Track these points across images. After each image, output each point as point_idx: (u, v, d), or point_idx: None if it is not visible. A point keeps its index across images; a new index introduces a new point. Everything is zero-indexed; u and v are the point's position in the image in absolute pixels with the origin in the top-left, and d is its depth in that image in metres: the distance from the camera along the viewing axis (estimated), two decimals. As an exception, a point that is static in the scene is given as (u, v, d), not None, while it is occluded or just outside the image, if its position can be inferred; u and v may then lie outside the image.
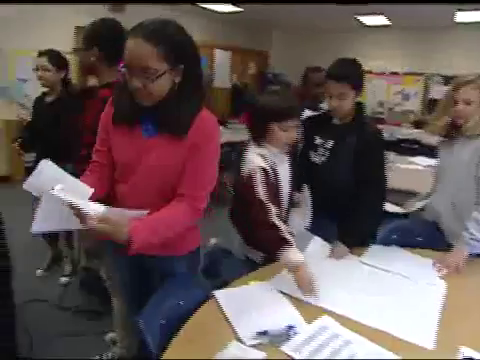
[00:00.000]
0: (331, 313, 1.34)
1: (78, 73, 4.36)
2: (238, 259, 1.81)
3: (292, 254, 1.43)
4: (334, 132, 1.91)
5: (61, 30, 4.98)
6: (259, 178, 1.58)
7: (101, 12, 4.33)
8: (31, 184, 1.15)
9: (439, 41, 8.05)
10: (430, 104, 7.92)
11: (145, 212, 1.18)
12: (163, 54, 1.19)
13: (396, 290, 1.53)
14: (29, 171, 1.23)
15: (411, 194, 2.82)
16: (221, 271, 1.69)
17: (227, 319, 1.30)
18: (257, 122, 1.70)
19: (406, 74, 8.53)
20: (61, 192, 1.09)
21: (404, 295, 1.50)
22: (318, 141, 1.94)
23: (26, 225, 1.20)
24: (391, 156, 3.52)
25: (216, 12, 6.59)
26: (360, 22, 7.44)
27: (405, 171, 3.40)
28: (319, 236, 1.83)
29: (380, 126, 2.52)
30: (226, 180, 4.79)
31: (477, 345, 1.19)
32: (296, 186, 1.87)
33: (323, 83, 2.53)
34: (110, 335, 2.32)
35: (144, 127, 1.32)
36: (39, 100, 2.83)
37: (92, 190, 1.23)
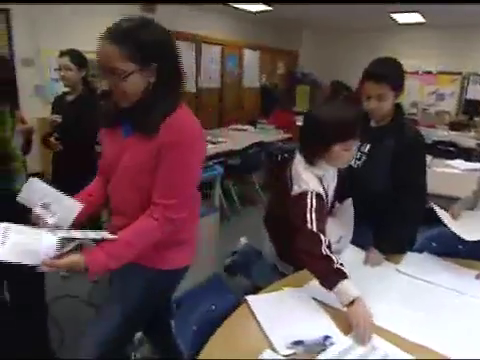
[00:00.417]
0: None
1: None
2: (268, 264, 1.77)
3: (347, 287, 1.28)
4: (371, 135, 1.82)
5: (93, 30, 5.07)
6: (312, 204, 1.44)
7: (133, 12, 4.38)
8: (22, 198, 1.28)
9: (476, 39, 7.74)
10: (467, 105, 7.64)
11: (109, 236, 1.21)
12: (128, 54, 1.19)
13: (439, 303, 1.44)
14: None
15: (448, 199, 2.71)
16: (252, 273, 1.66)
17: (260, 326, 1.27)
18: (317, 141, 1.51)
19: (440, 73, 8.25)
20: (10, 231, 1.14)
21: (448, 309, 1.41)
22: None
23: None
24: (428, 159, 3.39)
25: (246, 11, 6.57)
26: (393, 20, 7.24)
27: (442, 175, 3.26)
28: (356, 243, 1.76)
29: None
30: (255, 180, 4.79)
31: None
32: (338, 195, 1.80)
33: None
34: (139, 334, 2.32)
35: (124, 128, 1.34)
36: (59, 99, 2.87)
37: (80, 207, 1.29)
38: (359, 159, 1.85)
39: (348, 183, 1.83)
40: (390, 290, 1.51)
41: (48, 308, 2.08)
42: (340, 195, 1.83)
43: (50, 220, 1.24)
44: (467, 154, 4.17)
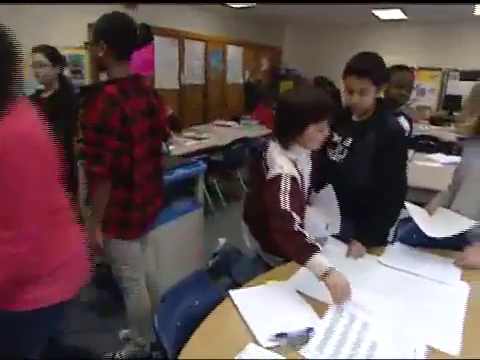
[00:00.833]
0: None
1: (91, 69, 4.37)
2: (250, 259, 1.78)
3: (320, 260, 1.35)
4: (353, 129, 1.85)
5: (73, 27, 5.01)
6: (286, 187, 1.49)
7: (115, 9, 4.32)
8: None
9: (456, 35, 7.87)
10: (447, 100, 7.77)
11: None
12: None
13: (417, 292, 1.48)
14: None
15: (429, 191, 2.75)
16: (232, 271, 1.66)
17: (243, 320, 1.27)
18: (291, 124, 1.58)
19: (422, 69, 8.36)
20: None
21: (426, 297, 1.45)
22: (336, 138, 1.88)
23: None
24: (409, 153, 3.44)
25: (229, 7, 6.55)
26: (375, 16, 7.31)
27: (423, 168, 3.31)
28: (339, 236, 1.78)
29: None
30: (239, 176, 4.80)
31: (505, 351, 1.15)
32: (314, 184, 1.82)
33: (406, 84, 2.44)
34: (124, 332, 2.31)
35: None
36: (32, 97, 2.68)
37: None
38: (341, 153, 1.86)
39: (331, 177, 1.85)
40: (371, 281, 1.54)
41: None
42: (317, 187, 1.86)
43: None
44: (447, 148, 4.24)
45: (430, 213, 1.96)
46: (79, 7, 4.88)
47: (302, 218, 1.55)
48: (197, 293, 1.39)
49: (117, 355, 2.16)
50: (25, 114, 1.16)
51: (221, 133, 4.77)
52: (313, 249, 1.37)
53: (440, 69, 8.17)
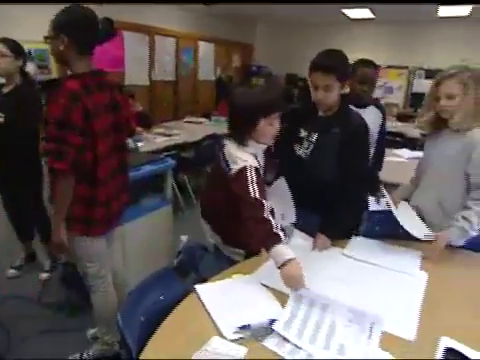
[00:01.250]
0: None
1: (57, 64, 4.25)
2: (213, 254, 1.79)
3: (282, 250, 1.39)
4: (319, 125, 1.88)
5: (37, 21, 4.84)
6: (252, 177, 1.53)
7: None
8: None
9: (422, 35, 8.12)
10: (413, 98, 8.01)
11: None
12: None
13: (377, 282, 1.53)
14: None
15: (394, 186, 2.84)
16: (198, 267, 1.67)
17: (208, 313, 1.28)
18: (244, 119, 1.63)
19: (389, 67, 8.58)
20: None
21: (385, 286, 1.50)
22: (303, 134, 1.91)
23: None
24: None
25: (200, 4, 6.50)
26: (345, 15, 7.44)
27: (389, 163, 3.40)
28: (307, 230, 1.82)
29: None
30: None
31: (457, 335, 1.20)
32: (272, 178, 1.85)
33: (370, 80, 2.47)
34: (91, 331, 2.28)
35: None
36: None
37: None
38: (307, 148, 1.89)
39: (297, 173, 1.88)
40: (334, 272, 1.58)
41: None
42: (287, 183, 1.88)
43: None
44: (412, 144, 4.38)
45: (395, 205, 2.02)
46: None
47: None
48: (163, 289, 1.39)
49: (84, 355, 2.13)
50: None
51: (192, 130, 4.74)
52: (276, 238, 1.41)
53: (407, 67, 8.41)
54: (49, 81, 3.31)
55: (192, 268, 1.69)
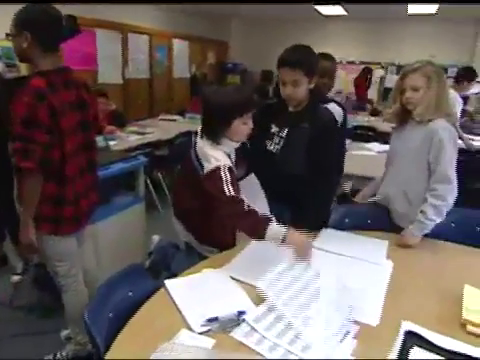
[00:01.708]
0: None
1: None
2: (188, 253, 1.79)
3: (276, 228, 1.46)
4: (289, 120, 1.90)
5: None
6: (226, 177, 1.54)
7: None
8: None
9: (393, 32, 8.30)
10: (386, 93, 8.18)
11: None
12: None
13: (346, 272, 1.55)
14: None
15: (365, 178, 2.90)
16: (171, 265, 1.67)
17: (177, 308, 1.29)
18: (219, 119, 1.63)
19: (363, 63, 8.73)
20: None
21: (353, 276, 1.53)
22: (274, 130, 1.93)
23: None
24: (347, 142, 3.59)
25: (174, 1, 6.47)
26: (318, 12, 7.52)
27: (359, 157, 3.48)
28: (278, 223, 1.84)
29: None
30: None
31: (417, 319, 1.25)
32: (243, 174, 1.86)
33: (329, 73, 2.45)
34: (65, 332, 2.25)
35: None
36: None
37: None
38: (278, 144, 1.91)
39: (269, 168, 1.90)
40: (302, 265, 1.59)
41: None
42: (259, 178, 1.91)
43: None
44: (383, 137, 4.48)
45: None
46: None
47: None
48: (132, 285, 1.38)
49: (58, 355, 2.11)
50: None
51: (166, 127, 4.71)
52: (267, 221, 1.46)
53: (379, 63, 8.58)
54: (16, 79, 3.22)
55: (164, 268, 1.70)
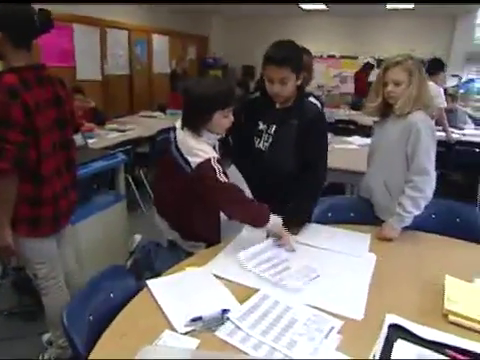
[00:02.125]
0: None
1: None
2: (172, 250, 1.77)
3: (274, 217, 1.57)
4: (277, 117, 1.87)
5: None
6: (218, 168, 1.55)
7: None
8: None
9: (373, 26, 8.38)
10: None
11: None
12: None
13: (328, 266, 1.56)
14: None
15: (346, 172, 2.92)
16: (154, 265, 1.65)
17: (160, 308, 1.26)
18: (199, 112, 1.61)
19: (343, 57, 8.79)
20: None
21: (337, 270, 1.53)
22: (261, 127, 1.90)
23: None
24: (329, 136, 3.61)
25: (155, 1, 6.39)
26: (299, 7, 7.53)
27: (340, 151, 3.49)
28: None
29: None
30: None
31: (401, 311, 1.25)
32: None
33: (307, 67, 2.45)
34: (47, 336, 2.20)
35: None
36: None
37: None
38: (267, 141, 1.88)
39: (258, 166, 1.88)
40: (287, 259, 1.59)
41: None
42: (248, 177, 1.93)
43: None
44: (364, 131, 4.52)
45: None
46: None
47: None
48: (113, 286, 1.35)
49: (39, 357, 2.06)
50: None
51: (147, 124, 4.64)
52: (267, 211, 1.56)
53: (358, 57, 8.65)
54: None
55: (147, 268, 1.67)
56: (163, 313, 1.24)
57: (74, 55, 6.07)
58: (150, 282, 1.38)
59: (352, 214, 2.04)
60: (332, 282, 1.44)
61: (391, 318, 1.22)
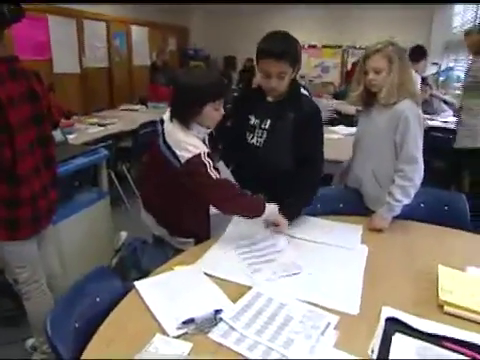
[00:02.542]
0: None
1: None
2: (159, 246, 1.71)
3: (270, 205, 1.58)
4: (270, 111, 1.79)
5: None
6: (209, 162, 1.51)
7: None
8: None
9: (353, 15, 8.36)
10: (347, 75, 8.26)
11: None
12: None
13: (320, 259, 1.53)
14: None
15: (332, 162, 2.89)
16: (141, 263, 1.59)
17: (149, 311, 1.21)
18: (189, 104, 1.55)
19: (325, 47, 8.78)
20: None
21: (329, 264, 1.51)
22: (254, 121, 1.82)
23: None
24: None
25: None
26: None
27: (327, 141, 3.44)
28: None
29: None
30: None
31: (396, 303, 1.23)
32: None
33: None
34: (30, 341, 2.12)
35: None
36: None
37: None
38: (261, 136, 1.81)
39: (251, 162, 1.81)
40: (278, 255, 1.55)
41: None
42: (240, 174, 1.87)
43: None
44: (348, 120, 4.51)
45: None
46: None
47: None
48: (99, 289, 1.29)
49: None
50: None
51: (128, 118, 4.53)
52: (262, 201, 1.56)
53: (340, 46, 8.65)
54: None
55: (133, 266, 1.61)
56: (153, 316, 1.19)
57: (50, 47, 5.86)
58: (138, 283, 1.33)
59: (341, 205, 2.02)
60: (325, 276, 1.41)
61: (387, 311, 1.20)
